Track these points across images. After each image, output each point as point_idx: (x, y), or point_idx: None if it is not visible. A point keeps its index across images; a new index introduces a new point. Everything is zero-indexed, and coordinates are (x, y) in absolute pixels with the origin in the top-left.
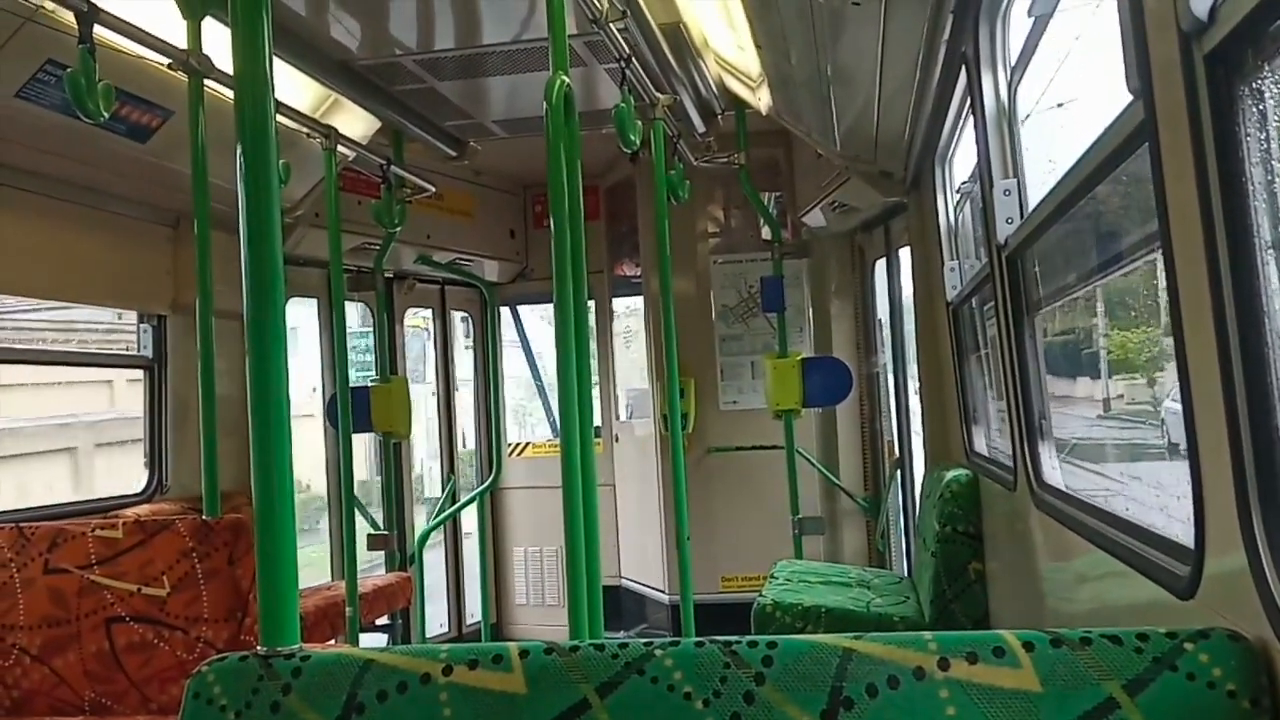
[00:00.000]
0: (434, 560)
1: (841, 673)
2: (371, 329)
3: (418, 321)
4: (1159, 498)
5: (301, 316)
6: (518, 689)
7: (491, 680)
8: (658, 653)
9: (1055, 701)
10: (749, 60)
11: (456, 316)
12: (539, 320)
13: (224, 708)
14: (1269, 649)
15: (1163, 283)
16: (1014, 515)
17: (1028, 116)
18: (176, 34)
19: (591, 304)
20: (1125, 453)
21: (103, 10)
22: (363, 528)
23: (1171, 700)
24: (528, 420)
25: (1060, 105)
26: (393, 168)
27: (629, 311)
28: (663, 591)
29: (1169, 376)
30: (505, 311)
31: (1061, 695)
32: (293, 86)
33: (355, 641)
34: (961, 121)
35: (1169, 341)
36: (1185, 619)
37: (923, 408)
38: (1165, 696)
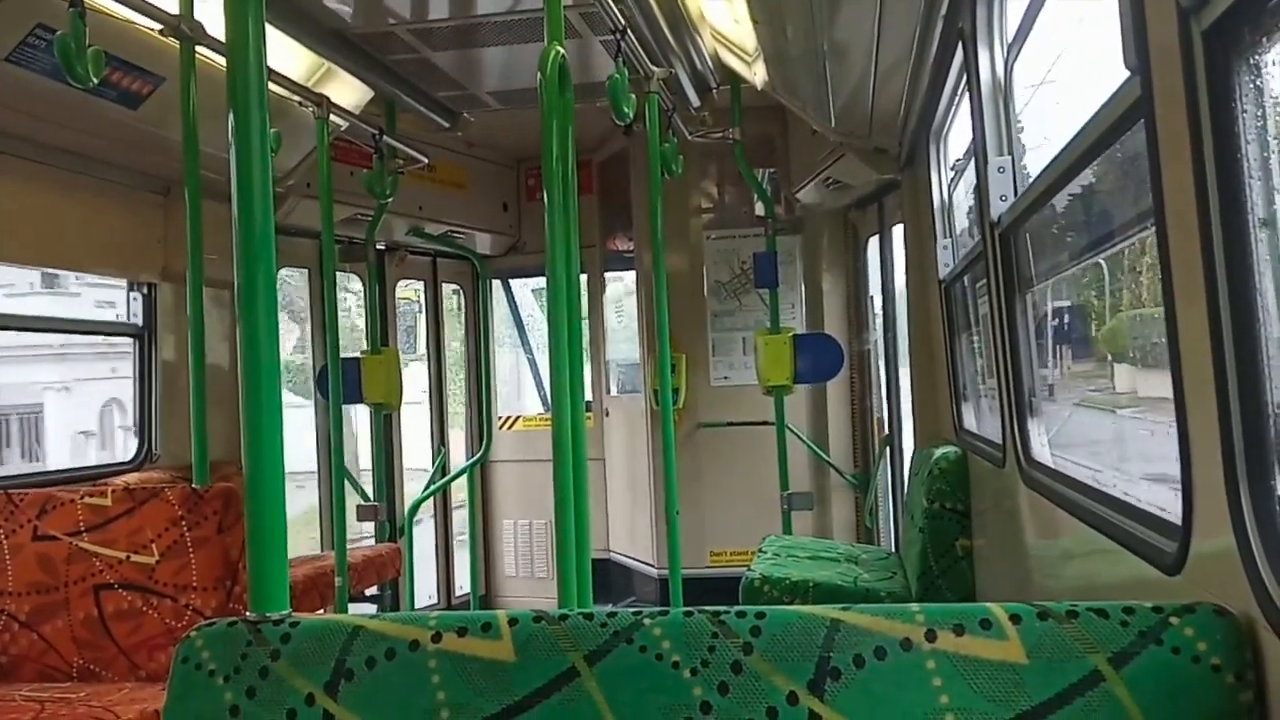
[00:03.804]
0: (423, 531)
1: (829, 643)
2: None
3: (409, 293)
4: None
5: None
6: (507, 656)
7: (480, 648)
8: (646, 622)
9: (1041, 673)
10: (745, 34)
11: (448, 289)
12: (530, 293)
13: (213, 672)
14: (1254, 625)
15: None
16: (1002, 492)
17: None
18: None
19: (584, 278)
20: None
21: None
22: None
23: (1157, 674)
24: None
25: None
26: (385, 138)
27: (621, 286)
28: (651, 565)
29: None
30: (497, 284)
31: (1047, 667)
32: (285, 54)
33: (344, 611)
34: (957, 98)
35: None
36: (1172, 595)
37: (913, 385)
38: (1151, 670)
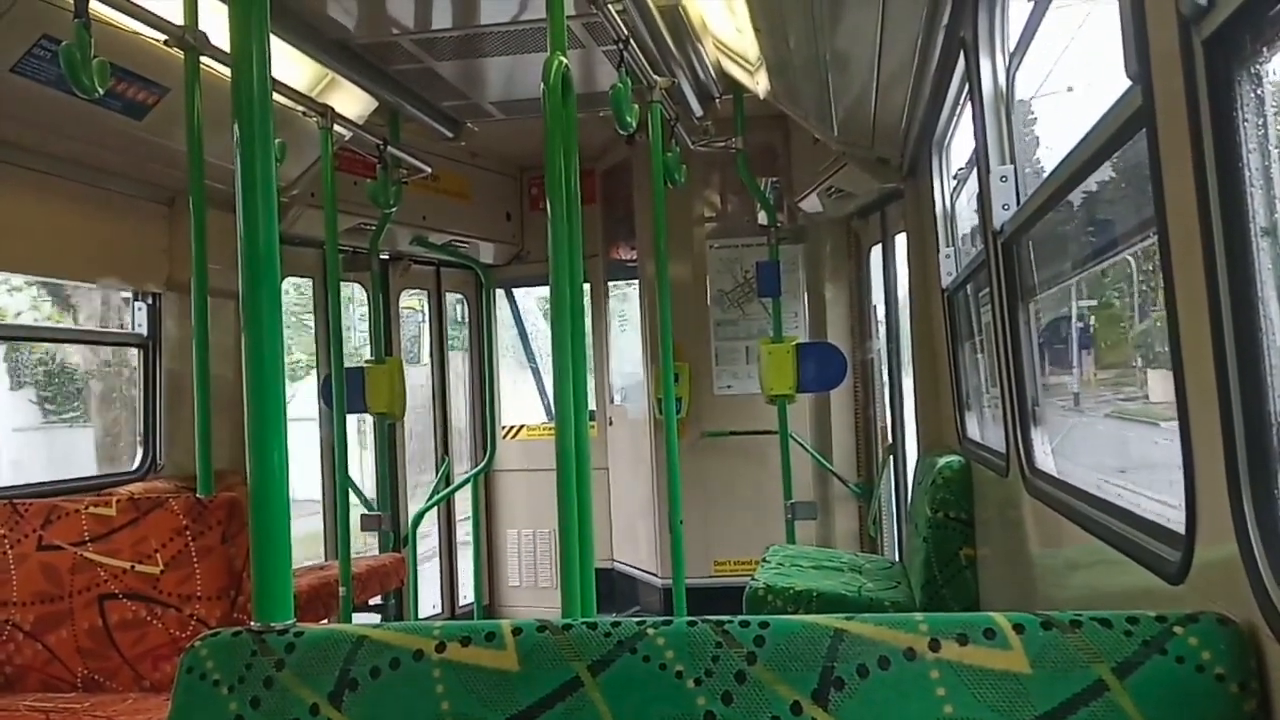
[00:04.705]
0: (427, 541)
1: (833, 653)
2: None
3: (413, 303)
4: None
5: None
6: (510, 666)
7: (484, 657)
8: (650, 631)
9: (1045, 683)
10: (747, 44)
11: (451, 298)
12: (533, 303)
13: (217, 682)
14: (1257, 633)
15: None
16: (1006, 501)
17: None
18: (173, 10)
19: (587, 287)
20: None
21: None
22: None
23: (1161, 683)
24: None
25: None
26: (389, 148)
27: (624, 295)
28: (655, 575)
29: None
30: (500, 294)
31: (1051, 677)
32: (289, 65)
33: (348, 621)
34: (959, 107)
35: None
36: (1175, 604)
37: (916, 394)
38: (1154, 679)
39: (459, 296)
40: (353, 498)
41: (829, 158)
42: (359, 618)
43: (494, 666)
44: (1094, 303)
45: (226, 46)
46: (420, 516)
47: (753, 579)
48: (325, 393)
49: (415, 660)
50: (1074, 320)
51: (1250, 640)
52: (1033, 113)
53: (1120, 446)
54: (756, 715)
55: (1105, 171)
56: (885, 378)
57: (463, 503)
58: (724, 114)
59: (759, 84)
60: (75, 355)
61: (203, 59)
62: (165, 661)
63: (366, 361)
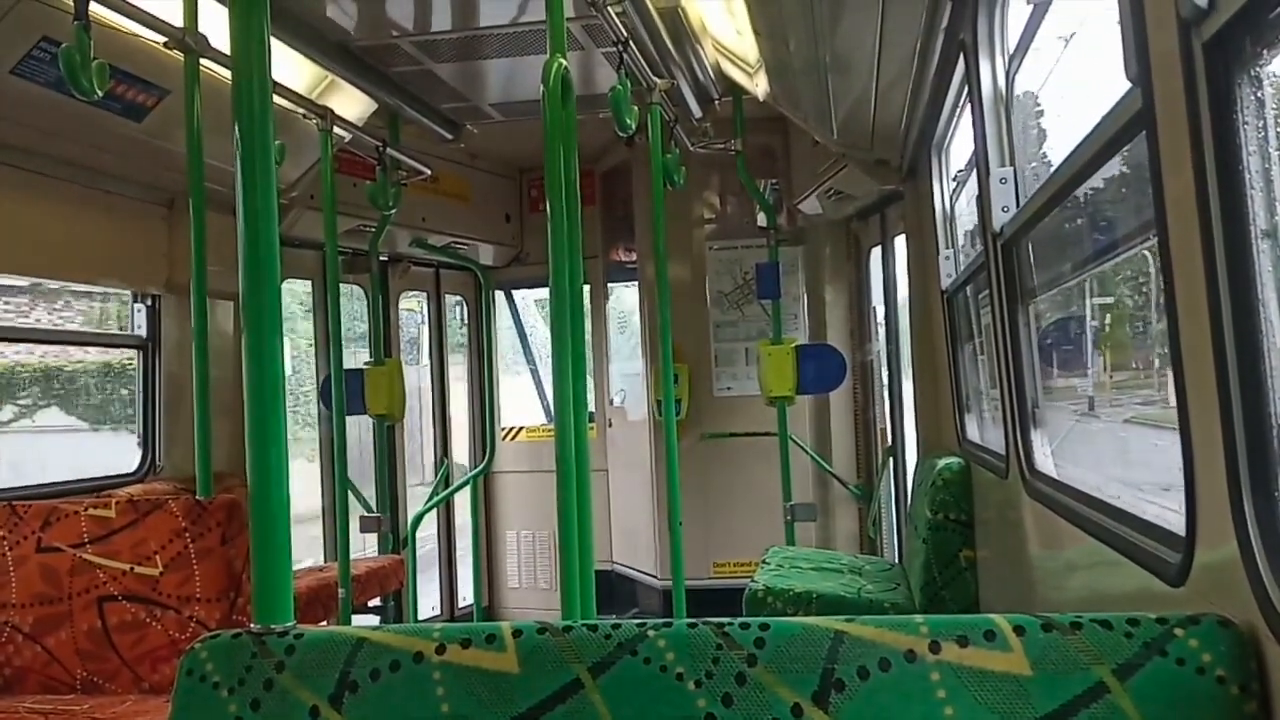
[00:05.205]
0: (426, 543)
1: (833, 655)
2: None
3: (412, 304)
4: None
5: None
6: (510, 668)
7: (484, 659)
8: (650, 633)
9: (1045, 685)
10: (747, 46)
11: (450, 300)
12: (532, 304)
13: (217, 684)
14: (1258, 635)
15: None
16: (1006, 503)
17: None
18: (173, 12)
19: (586, 288)
20: None
21: None
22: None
23: (1161, 685)
24: None
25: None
26: (389, 150)
27: (623, 297)
28: (655, 576)
29: None
30: (500, 295)
31: (1051, 679)
32: (289, 67)
33: (347, 623)
34: (959, 109)
35: None
36: (1176, 606)
37: (916, 395)
38: (1155, 681)
39: (458, 298)
40: (352, 499)
41: (828, 159)
42: (358, 620)
43: (494, 669)
44: (1108, 300)
45: (226, 49)
46: (420, 518)
47: (752, 581)
48: (325, 394)
49: (415, 662)
50: (1087, 320)
51: (1251, 642)
52: (1039, 104)
53: (1151, 458)
54: (757, 717)
55: (1105, 173)
56: (885, 379)
57: (462, 504)
58: (723, 116)
59: (758, 86)
60: None
61: (203, 61)
62: (164, 663)
63: (366, 363)
